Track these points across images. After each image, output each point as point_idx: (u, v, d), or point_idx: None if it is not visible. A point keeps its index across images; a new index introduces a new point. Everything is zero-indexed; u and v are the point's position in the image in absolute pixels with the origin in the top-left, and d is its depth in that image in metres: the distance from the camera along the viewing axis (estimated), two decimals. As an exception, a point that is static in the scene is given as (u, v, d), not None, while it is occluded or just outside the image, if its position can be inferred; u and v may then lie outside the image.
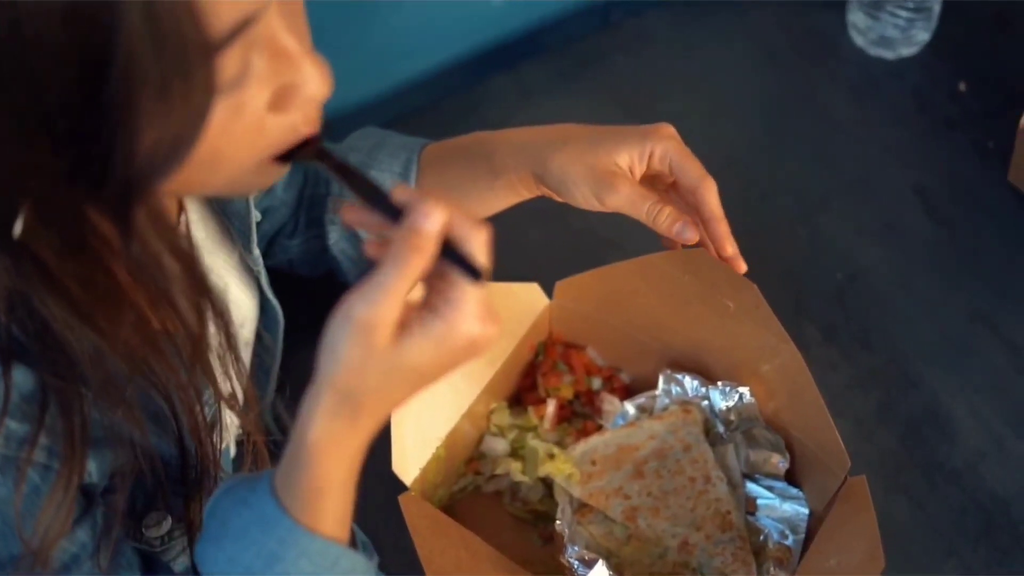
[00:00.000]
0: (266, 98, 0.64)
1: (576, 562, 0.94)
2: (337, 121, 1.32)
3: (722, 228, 0.93)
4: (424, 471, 0.99)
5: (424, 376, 0.70)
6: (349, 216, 0.72)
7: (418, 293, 0.68)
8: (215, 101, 0.60)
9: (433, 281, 0.68)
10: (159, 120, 0.59)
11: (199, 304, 0.71)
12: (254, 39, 0.61)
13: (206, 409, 0.82)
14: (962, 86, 1.32)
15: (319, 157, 0.71)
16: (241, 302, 0.98)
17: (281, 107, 0.65)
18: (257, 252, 0.95)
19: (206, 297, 0.71)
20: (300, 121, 0.68)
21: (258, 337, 1.04)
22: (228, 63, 0.60)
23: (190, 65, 0.58)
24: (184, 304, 0.69)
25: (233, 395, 0.81)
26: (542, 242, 1.22)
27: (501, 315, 1.03)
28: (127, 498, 0.80)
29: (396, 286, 0.65)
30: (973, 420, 1.11)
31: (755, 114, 1.34)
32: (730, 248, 0.94)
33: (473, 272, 0.66)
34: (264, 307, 1.01)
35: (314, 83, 0.65)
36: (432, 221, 0.65)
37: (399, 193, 0.67)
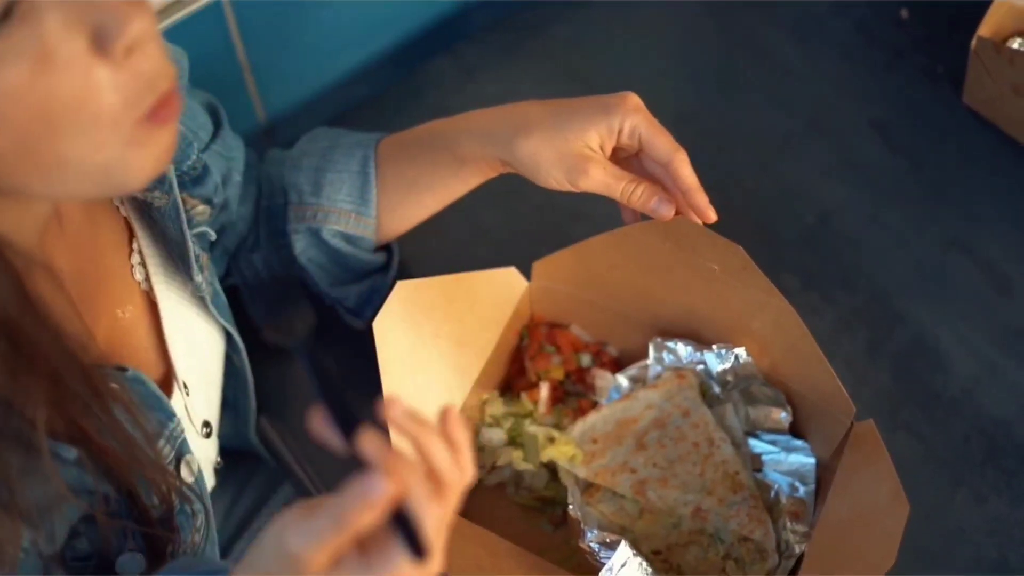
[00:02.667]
0: (82, 45, 0.60)
1: (597, 546, 0.93)
2: (280, 123, 1.31)
3: (701, 199, 0.92)
4: (427, 473, 0.97)
5: None
6: (316, 428, 0.64)
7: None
8: None
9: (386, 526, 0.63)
10: None
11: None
12: None
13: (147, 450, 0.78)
14: (904, 13, 1.32)
15: (302, 352, 0.67)
16: (202, 331, 0.95)
17: (106, 52, 0.60)
18: (199, 279, 0.92)
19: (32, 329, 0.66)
20: (155, 73, 0.63)
21: (230, 359, 1.01)
22: None
23: None
24: None
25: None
26: (504, 223, 1.20)
27: (482, 304, 1.02)
28: (99, 542, 0.77)
29: (329, 534, 0.60)
30: (962, 347, 1.11)
31: (701, 67, 1.33)
32: (713, 216, 0.93)
33: (417, 550, 0.62)
34: (229, 333, 0.98)
35: (134, 20, 0.60)
36: (377, 494, 0.60)
37: (366, 443, 0.62)
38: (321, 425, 0.64)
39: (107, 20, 0.60)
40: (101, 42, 0.60)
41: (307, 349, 0.67)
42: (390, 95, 1.30)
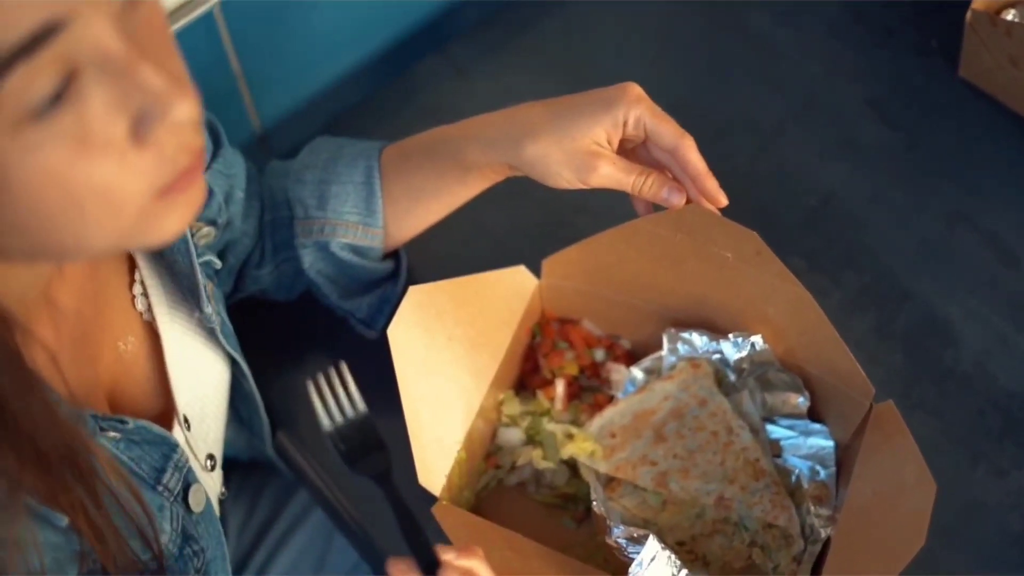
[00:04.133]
0: (122, 130, 0.58)
1: (624, 541, 0.93)
2: (275, 131, 1.29)
3: (711, 183, 0.93)
4: (449, 477, 0.96)
5: None
6: (395, 572, 0.78)
7: None
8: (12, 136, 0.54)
9: None
10: None
11: None
12: (76, 54, 0.55)
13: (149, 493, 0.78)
14: (894, -10, 1.32)
15: (382, 483, 0.83)
16: (207, 360, 0.95)
17: (143, 138, 0.58)
18: (209, 310, 0.91)
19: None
20: (176, 150, 0.61)
21: (238, 382, 1.01)
22: (26, 86, 0.54)
23: None
24: None
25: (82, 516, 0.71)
26: (507, 221, 1.19)
27: (494, 305, 1.02)
28: None
29: None
30: (971, 321, 1.11)
31: (692, 55, 1.32)
32: (724, 200, 0.93)
33: None
34: (235, 358, 0.98)
35: (178, 106, 0.58)
36: None
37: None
38: (399, 569, 0.77)
39: (150, 106, 0.57)
40: (140, 128, 0.58)
41: (385, 481, 0.82)
42: (383, 97, 1.29)
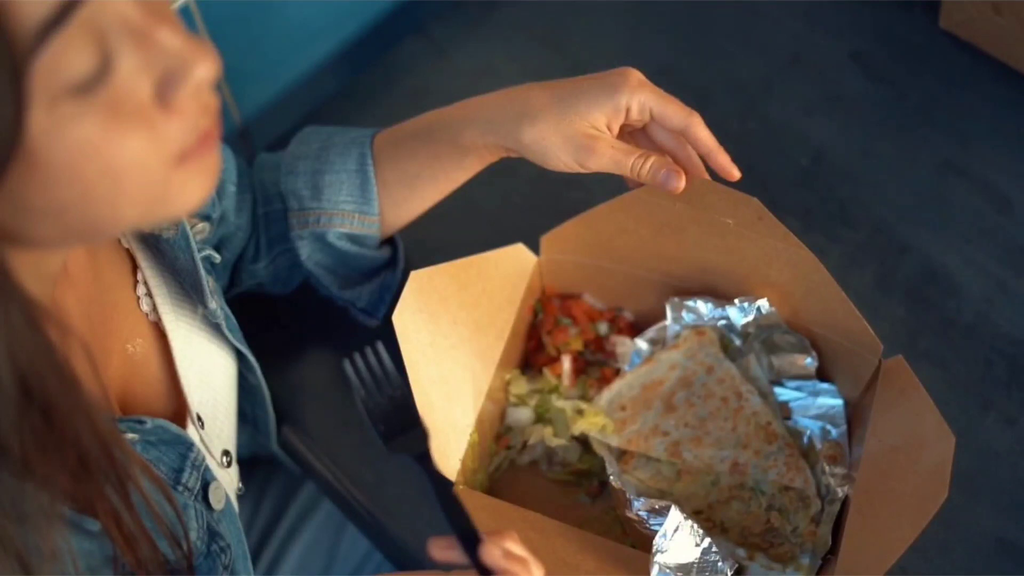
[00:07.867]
0: (148, 91, 0.57)
1: (646, 514, 0.92)
2: (256, 124, 1.28)
3: (723, 158, 0.93)
4: (463, 461, 0.96)
5: None
6: (438, 554, 0.76)
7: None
8: (36, 109, 0.53)
9: None
10: None
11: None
12: (100, 23, 0.55)
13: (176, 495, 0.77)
14: (870, -57, 1.31)
15: (421, 461, 0.78)
16: (215, 356, 0.94)
17: (168, 99, 0.58)
18: (213, 305, 0.90)
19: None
20: (198, 113, 0.60)
21: (244, 377, 1.00)
22: (61, 59, 0.53)
23: None
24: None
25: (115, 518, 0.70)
26: (500, 199, 1.18)
27: (495, 285, 1.01)
28: None
29: None
30: (971, 270, 1.11)
31: (674, 19, 1.31)
32: (737, 174, 0.93)
33: None
34: (241, 352, 0.97)
35: (201, 64, 0.58)
36: None
37: (489, 556, 0.74)
38: (441, 548, 0.76)
39: (174, 66, 0.57)
40: (164, 90, 0.58)
41: (426, 460, 0.79)
42: (364, 83, 1.28)
